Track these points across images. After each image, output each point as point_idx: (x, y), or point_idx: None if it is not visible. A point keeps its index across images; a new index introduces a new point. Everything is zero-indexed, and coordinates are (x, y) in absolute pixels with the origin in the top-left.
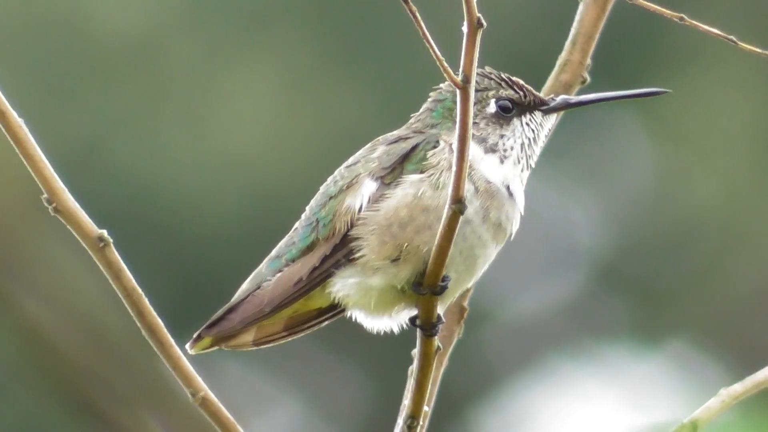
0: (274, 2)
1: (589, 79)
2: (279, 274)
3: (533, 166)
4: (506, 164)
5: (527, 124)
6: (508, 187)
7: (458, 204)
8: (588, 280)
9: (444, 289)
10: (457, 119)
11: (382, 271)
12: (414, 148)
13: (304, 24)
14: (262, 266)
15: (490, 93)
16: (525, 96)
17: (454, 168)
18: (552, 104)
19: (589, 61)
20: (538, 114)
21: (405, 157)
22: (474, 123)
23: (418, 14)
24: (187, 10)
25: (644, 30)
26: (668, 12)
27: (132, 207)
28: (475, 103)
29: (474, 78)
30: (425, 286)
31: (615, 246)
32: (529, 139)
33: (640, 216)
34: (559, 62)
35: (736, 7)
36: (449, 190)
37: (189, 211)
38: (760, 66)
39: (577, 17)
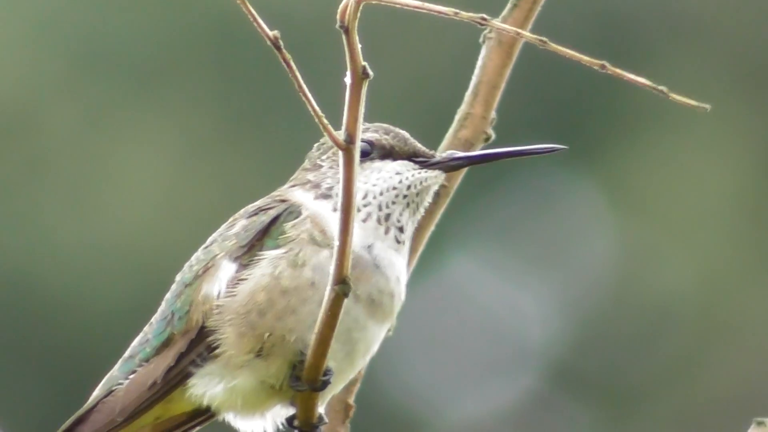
0: (163, 63)
1: (493, 135)
2: (132, 377)
3: (402, 228)
4: (367, 223)
5: (389, 170)
6: (370, 253)
7: (342, 285)
8: (540, 382)
9: (326, 383)
10: (340, 185)
11: (248, 368)
12: (274, 220)
13: (196, 85)
14: (115, 368)
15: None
16: (398, 143)
17: (336, 242)
18: (435, 159)
19: (493, 114)
20: (406, 165)
21: (264, 232)
22: (317, 165)
23: (292, 63)
24: (66, 71)
25: (605, 88)
26: (587, 59)
27: (4, 294)
28: (331, 147)
29: (359, 137)
30: (304, 381)
31: (572, 340)
32: (388, 187)
33: (602, 304)
34: (458, 116)
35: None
36: (331, 269)
37: (71, 299)
38: (740, 128)
39: (479, 63)
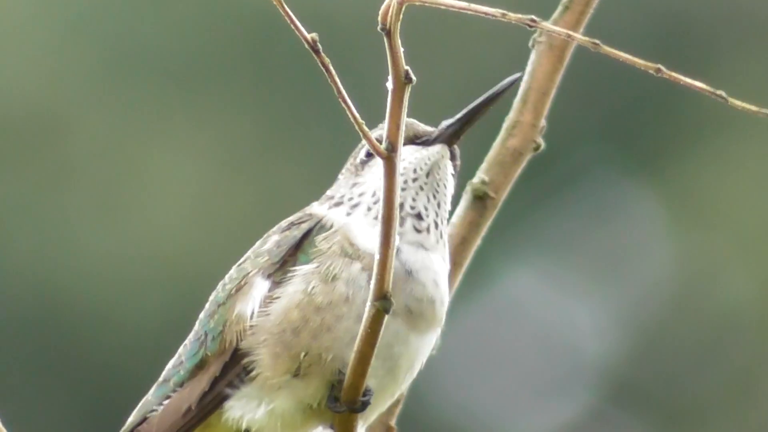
0: (198, 66)
1: (543, 144)
2: (166, 402)
3: (420, 215)
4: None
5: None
6: (398, 257)
7: (383, 301)
8: (597, 397)
9: (366, 404)
10: (381, 196)
11: (286, 389)
12: (307, 234)
13: (233, 89)
14: (150, 393)
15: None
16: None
17: (377, 256)
18: (433, 136)
19: (543, 122)
20: (412, 149)
21: (297, 247)
22: (336, 180)
23: (331, 67)
24: (97, 74)
25: (664, 94)
26: (642, 62)
27: (32, 307)
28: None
29: (401, 145)
30: (343, 402)
31: (630, 354)
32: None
33: (661, 317)
34: (506, 125)
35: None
36: (372, 284)
37: (100, 312)
38: None
39: (528, 68)
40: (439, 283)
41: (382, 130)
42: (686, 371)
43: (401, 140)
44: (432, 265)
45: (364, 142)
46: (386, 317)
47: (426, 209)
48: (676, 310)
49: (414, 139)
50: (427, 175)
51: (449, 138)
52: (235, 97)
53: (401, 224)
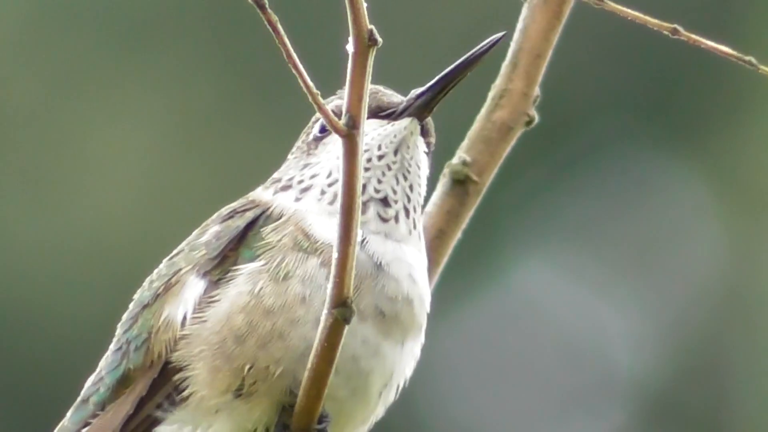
0: (149, 21)
1: (537, 117)
2: (85, 430)
3: (386, 199)
4: (336, 205)
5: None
6: (363, 249)
7: (342, 308)
8: (633, 418)
9: None
10: (341, 181)
11: (226, 412)
12: (251, 224)
13: (188, 48)
14: (67, 417)
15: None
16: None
17: (335, 254)
18: (402, 106)
19: (537, 91)
20: (376, 123)
21: (240, 240)
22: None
23: (279, 26)
24: (26, 28)
25: (704, 65)
26: (655, 21)
27: None
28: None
29: (364, 120)
30: (294, 430)
31: (665, 365)
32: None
33: (706, 321)
34: (492, 94)
35: None
36: (328, 287)
37: (30, 314)
38: None
39: (519, 25)
40: (416, 278)
41: (340, 100)
42: (735, 387)
43: (364, 114)
44: (405, 256)
45: (318, 115)
46: (347, 328)
47: (394, 193)
48: (724, 311)
49: (378, 112)
50: (395, 153)
51: (420, 110)
52: (190, 56)
53: (364, 211)
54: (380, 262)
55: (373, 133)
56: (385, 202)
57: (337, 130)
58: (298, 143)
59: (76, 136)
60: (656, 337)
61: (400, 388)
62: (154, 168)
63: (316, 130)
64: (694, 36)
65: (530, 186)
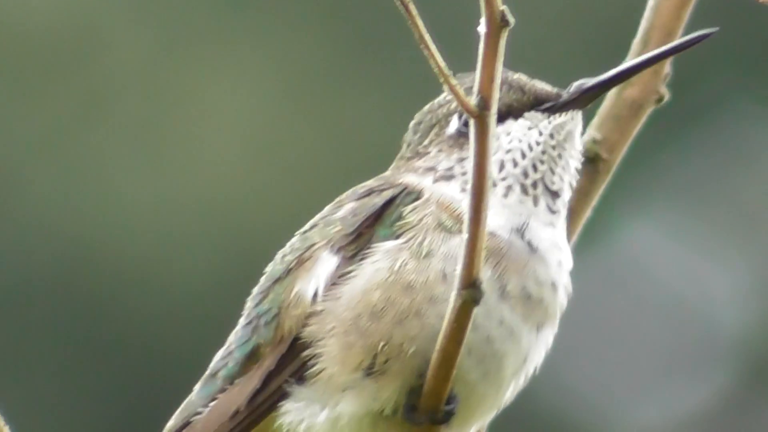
0: None
1: (667, 95)
2: (212, 404)
3: (557, 192)
4: (510, 198)
5: (519, 128)
6: (522, 235)
7: (471, 289)
8: (736, 378)
9: (450, 414)
10: (471, 163)
11: (354, 390)
12: (388, 203)
13: (297, 4)
14: (195, 390)
15: (452, 106)
16: (515, 95)
17: (465, 234)
18: (563, 98)
19: (668, 68)
20: (534, 116)
21: (376, 218)
22: (420, 152)
23: (412, 7)
24: None
25: None
26: None
27: (53, 266)
28: (433, 126)
29: (495, 101)
30: (422, 411)
31: None
32: (527, 146)
33: None
34: None
35: None
36: (458, 268)
37: (137, 274)
38: None
39: (649, 3)
40: (564, 266)
41: (471, 81)
42: None
43: (496, 95)
44: (560, 243)
45: (446, 97)
46: (476, 309)
47: (562, 185)
48: None
49: (535, 105)
50: (565, 142)
51: (584, 103)
52: (297, 12)
53: (535, 204)
54: (537, 247)
55: (541, 125)
56: (556, 194)
57: (470, 111)
58: (431, 137)
59: (185, 94)
60: (761, 298)
61: (529, 375)
62: (263, 124)
63: (458, 125)
64: None
65: (639, 150)
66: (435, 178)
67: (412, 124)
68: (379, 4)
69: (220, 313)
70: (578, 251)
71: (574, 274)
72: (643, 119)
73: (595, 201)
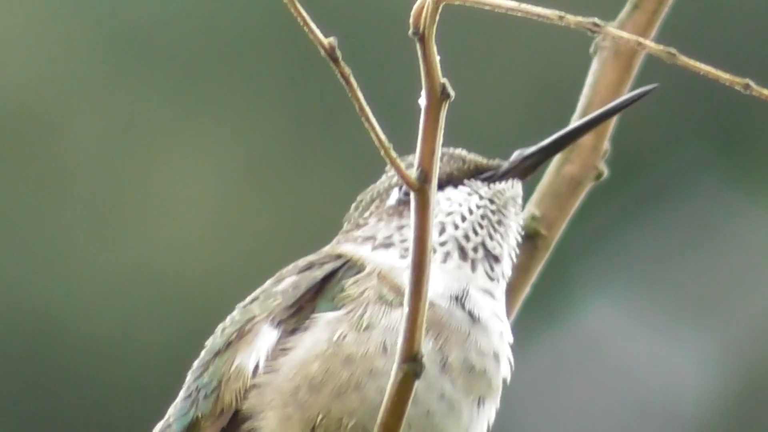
0: (216, 55)
1: (606, 171)
2: None
3: (498, 257)
4: (448, 264)
5: (459, 194)
6: (463, 305)
7: (412, 362)
8: None
9: None
10: (411, 235)
11: None
12: (329, 276)
13: (257, 83)
14: None
15: (394, 180)
16: (455, 165)
17: (406, 307)
18: (503, 168)
19: (606, 145)
20: (474, 184)
21: (317, 291)
22: (360, 224)
23: (353, 79)
24: (94, 61)
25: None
26: (727, 77)
27: (14, 339)
28: (374, 200)
29: (436, 173)
30: None
31: (737, 410)
32: (467, 211)
33: None
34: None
35: None
36: (399, 341)
37: (96, 346)
38: None
39: (588, 80)
40: (506, 337)
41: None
42: None
43: (436, 168)
44: (500, 314)
45: (389, 171)
46: (417, 383)
47: (501, 251)
48: None
49: (475, 174)
50: (504, 208)
51: (525, 172)
52: (261, 90)
53: (473, 269)
54: (478, 316)
55: (481, 191)
56: (496, 259)
57: (410, 185)
58: (374, 207)
59: (145, 173)
60: (723, 381)
61: None
62: (221, 203)
63: (399, 195)
64: (766, 92)
65: (596, 227)
66: (374, 246)
67: (354, 204)
68: (333, 90)
69: (178, 387)
70: (519, 328)
71: (515, 351)
72: (582, 196)
73: (534, 277)
